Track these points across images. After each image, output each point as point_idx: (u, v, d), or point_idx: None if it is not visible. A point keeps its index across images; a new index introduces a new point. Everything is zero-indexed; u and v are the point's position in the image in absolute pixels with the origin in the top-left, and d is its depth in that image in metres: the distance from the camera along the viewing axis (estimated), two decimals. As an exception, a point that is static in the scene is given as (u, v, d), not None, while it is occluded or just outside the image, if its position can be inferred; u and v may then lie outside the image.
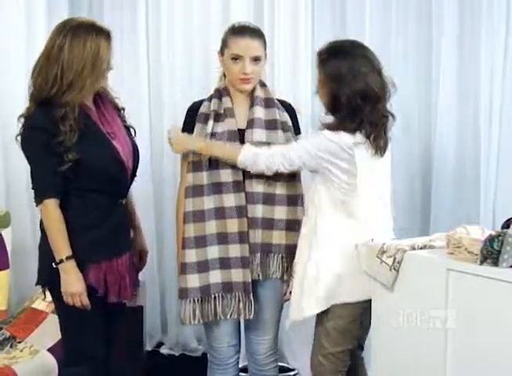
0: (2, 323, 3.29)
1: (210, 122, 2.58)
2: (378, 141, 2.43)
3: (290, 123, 2.65)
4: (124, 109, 2.62)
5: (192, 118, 2.64)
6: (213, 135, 2.57)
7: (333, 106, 2.45)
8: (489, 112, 3.49)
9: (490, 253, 2.03)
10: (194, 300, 2.57)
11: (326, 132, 2.42)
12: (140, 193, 3.88)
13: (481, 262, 2.05)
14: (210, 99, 2.64)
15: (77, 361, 2.47)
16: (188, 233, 2.58)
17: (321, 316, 2.53)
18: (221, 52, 2.62)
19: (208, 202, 2.56)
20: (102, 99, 2.51)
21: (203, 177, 2.57)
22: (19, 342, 3.19)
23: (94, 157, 2.38)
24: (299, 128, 2.72)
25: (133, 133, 2.62)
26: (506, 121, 3.51)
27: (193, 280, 2.57)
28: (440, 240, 2.35)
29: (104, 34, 2.39)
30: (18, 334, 3.23)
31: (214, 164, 2.55)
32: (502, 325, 2.01)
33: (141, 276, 3.81)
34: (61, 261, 2.37)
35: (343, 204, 2.45)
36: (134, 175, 2.57)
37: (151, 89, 4.11)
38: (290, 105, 2.73)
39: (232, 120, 2.60)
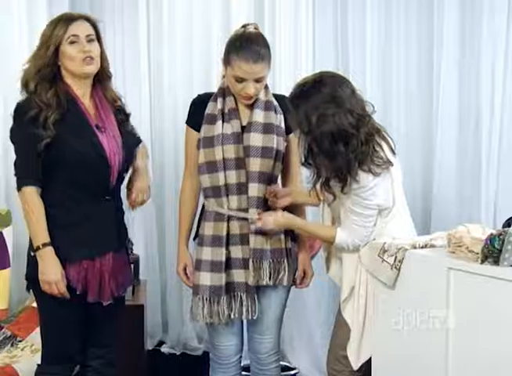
0: (3, 322, 3.29)
1: (219, 122, 2.59)
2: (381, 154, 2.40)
3: (283, 126, 2.64)
4: (130, 114, 2.62)
5: (197, 113, 2.63)
6: (223, 136, 2.57)
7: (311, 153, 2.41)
8: (490, 110, 3.49)
9: (491, 252, 2.03)
10: (204, 298, 2.59)
11: (365, 182, 2.37)
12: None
13: (482, 261, 2.05)
14: (215, 98, 2.63)
15: (54, 360, 2.48)
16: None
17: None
18: (224, 64, 2.57)
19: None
20: (101, 98, 2.51)
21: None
22: (20, 341, 3.19)
23: (73, 144, 2.37)
24: None
25: (136, 140, 2.61)
26: (506, 121, 3.52)
27: (205, 278, 2.59)
28: (441, 238, 2.35)
29: (56, 20, 2.43)
30: (19, 333, 3.23)
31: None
32: (504, 324, 2.01)
33: (142, 275, 3.85)
34: (38, 248, 2.36)
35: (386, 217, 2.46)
36: (122, 176, 2.54)
37: (152, 89, 4.11)
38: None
39: (237, 121, 2.60)
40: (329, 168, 2.36)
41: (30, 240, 2.42)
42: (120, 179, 2.54)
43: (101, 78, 2.52)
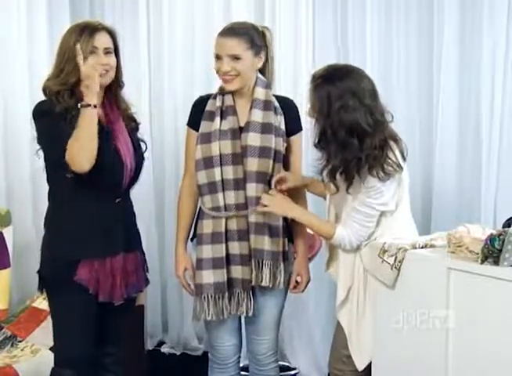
0: (3, 322, 3.29)
1: (217, 119, 2.59)
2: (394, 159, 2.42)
3: (283, 127, 2.63)
4: (139, 124, 2.66)
5: (197, 113, 2.65)
6: (220, 131, 2.57)
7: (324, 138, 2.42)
8: (490, 110, 3.49)
9: (491, 252, 2.04)
10: (209, 296, 2.57)
11: (372, 184, 2.38)
12: (141, 193, 3.91)
13: (482, 261, 2.06)
14: (215, 96, 2.64)
15: (67, 363, 2.48)
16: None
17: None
18: None
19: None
20: (112, 105, 2.54)
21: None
22: (20, 341, 3.19)
23: None
24: (301, 125, 2.70)
25: (144, 147, 2.63)
26: (507, 121, 3.51)
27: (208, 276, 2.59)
28: (441, 239, 2.35)
29: (79, 29, 2.43)
30: (19, 333, 3.23)
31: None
32: (503, 324, 2.01)
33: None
34: (88, 105, 2.33)
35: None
36: (134, 180, 2.56)
37: (152, 89, 4.12)
38: (291, 101, 2.72)
39: (234, 117, 2.60)
40: (339, 157, 2.37)
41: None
42: (132, 183, 2.56)
43: (113, 88, 2.55)
